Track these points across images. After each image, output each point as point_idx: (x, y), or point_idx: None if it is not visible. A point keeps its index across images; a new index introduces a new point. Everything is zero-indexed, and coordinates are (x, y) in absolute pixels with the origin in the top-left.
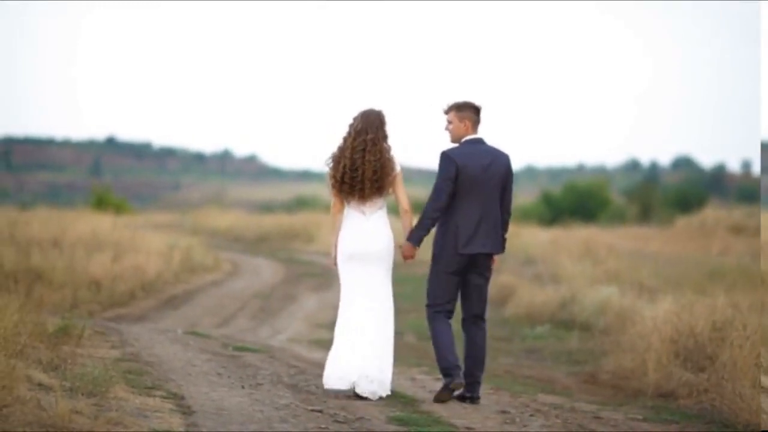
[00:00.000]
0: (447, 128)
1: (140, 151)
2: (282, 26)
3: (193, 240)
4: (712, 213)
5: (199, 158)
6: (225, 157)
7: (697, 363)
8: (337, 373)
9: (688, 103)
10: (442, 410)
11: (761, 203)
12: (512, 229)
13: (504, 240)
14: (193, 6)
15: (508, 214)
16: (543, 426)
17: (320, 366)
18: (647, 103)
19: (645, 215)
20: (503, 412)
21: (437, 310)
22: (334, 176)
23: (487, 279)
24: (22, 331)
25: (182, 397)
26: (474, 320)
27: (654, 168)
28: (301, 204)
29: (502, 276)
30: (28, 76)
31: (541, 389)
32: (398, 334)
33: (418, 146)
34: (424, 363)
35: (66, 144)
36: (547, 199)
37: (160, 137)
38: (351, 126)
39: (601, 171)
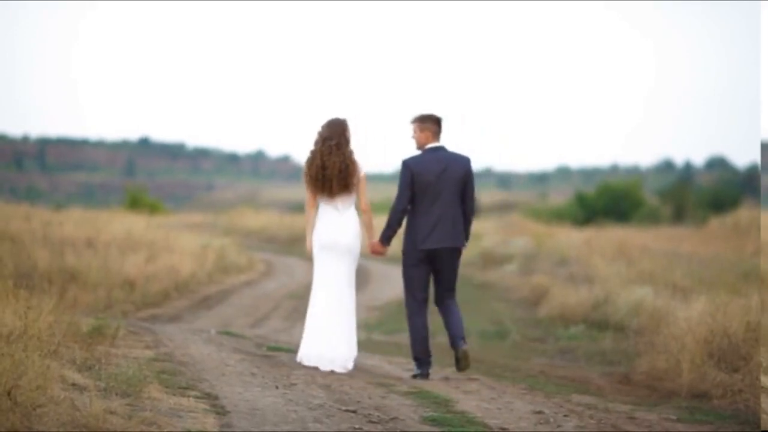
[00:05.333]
0: (412, 137)
1: (174, 152)
2: (316, 27)
3: (226, 240)
4: (747, 213)
5: (232, 159)
6: (258, 157)
7: (731, 363)
8: (309, 352)
9: (722, 102)
10: (475, 410)
11: (761, 203)
12: (546, 229)
13: (468, 233)
14: (228, 6)
15: (472, 212)
16: (577, 426)
17: (354, 366)
18: (682, 103)
19: (679, 216)
20: (537, 412)
21: (411, 300)
22: (308, 174)
23: (452, 270)
24: (56, 331)
25: (216, 397)
26: (444, 302)
27: (688, 168)
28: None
29: (535, 276)
30: (62, 77)
31: (575, 389)
32: (431, 334)
33: (450, 149)
34: None
35: (100, 144)
36: (581, 200)
37: (193, 138)
38: (319, 134)
39: (634, 171)
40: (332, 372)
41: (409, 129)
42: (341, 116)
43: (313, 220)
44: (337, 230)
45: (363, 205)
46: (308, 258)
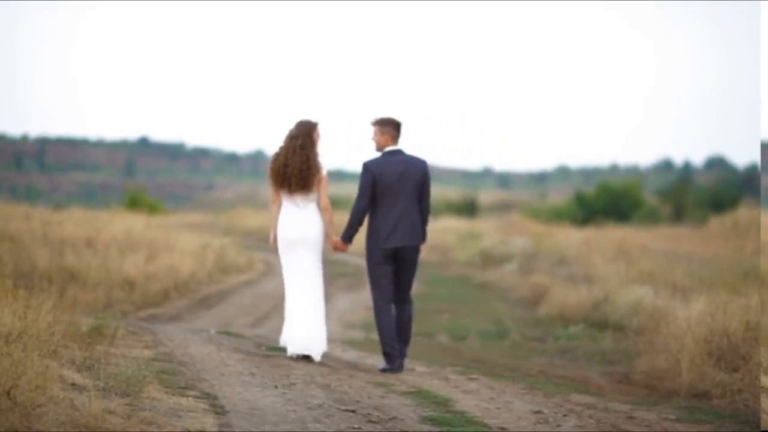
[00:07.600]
0: (372, 139)
1: (173, 152)
2: (315, 27)
3: (226, 240)
4: (746, 213)
5: (232, 158)
6: (258, 157)
7: (730, 363)
8: (291, 339)
9: (722, 102)
10: (475, 410)
11: (761, 203)
12: (546, 229)
13: (425, 232)
14: (227, 6)
15: (427, 211)
16: (576, 426)
17: (354, 366)
18: (681, 103)
19: (678, 215)
20: (537, 411)
21: (378, 297)
22: (272, 169)
23: (412, 268)
24: (55, 331)
25: (215, 397)
26: (401, 302)
27: (687, 168)
28: (334, 204)
29: (534, 276)
30: (62, 77)
31: (574, 389)
32: (431, 334)
33: (451, 149)
34: (458, 363)
35: (99, 144)
36: (581, 199)
37: (193, 137)
38: (289, 131)
39: (634, 171)
40: (306, 357)
41: (370, 131)
42: (313, 118)
43: (277, 214)
44: (296, 224)
45: (323, 204)
46: (272, 250)
